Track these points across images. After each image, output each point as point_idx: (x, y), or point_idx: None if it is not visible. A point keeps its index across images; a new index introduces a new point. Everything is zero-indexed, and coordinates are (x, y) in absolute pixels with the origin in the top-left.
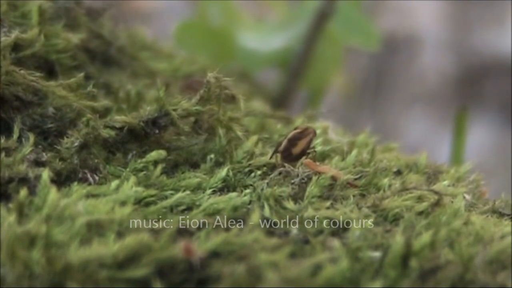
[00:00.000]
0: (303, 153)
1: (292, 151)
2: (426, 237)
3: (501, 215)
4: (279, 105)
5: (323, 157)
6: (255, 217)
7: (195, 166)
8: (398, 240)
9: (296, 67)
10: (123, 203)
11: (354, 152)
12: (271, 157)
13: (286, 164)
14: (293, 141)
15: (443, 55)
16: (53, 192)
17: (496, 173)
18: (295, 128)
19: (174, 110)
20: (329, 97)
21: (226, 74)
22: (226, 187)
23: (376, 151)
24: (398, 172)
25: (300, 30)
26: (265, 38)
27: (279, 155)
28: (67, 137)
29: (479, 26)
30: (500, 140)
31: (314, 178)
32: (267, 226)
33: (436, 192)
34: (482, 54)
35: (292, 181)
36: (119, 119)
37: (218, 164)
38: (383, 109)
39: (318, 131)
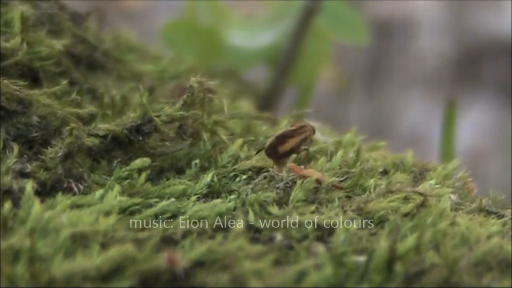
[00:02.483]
0: (291, 151)
1: (278, 149)
2: (411, 240)
3: (488, 213)
4: (268, 103)
5: (309, 158)
6: (239, 225)
7: (180, 171)
8: (382, 244)
9: (284, 64)
10: (107, 213)
11: (340, 152)
12: (256, 153)
13: (270, 169)
14: (281, 139)
15: (441, 37)
16: (37, 205)
17: (494, 153)
18: (291, 125)
19: (158, 116)
20: (320, 90)
21: (212, 75)
22: (211, 193)
23: (363, 150)
24: (384, 172)
25: (287, 27)
26: (252, 35)
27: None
28: (51, 147)
29: (477, 7)
30: (498, 121)
31: (299, 182)
32: (252, 232)
33: (421, 194)
34: (479, 35)
35: (277, 185)
36: (102, 127)
37: (203, 169)
38: (381, 92)
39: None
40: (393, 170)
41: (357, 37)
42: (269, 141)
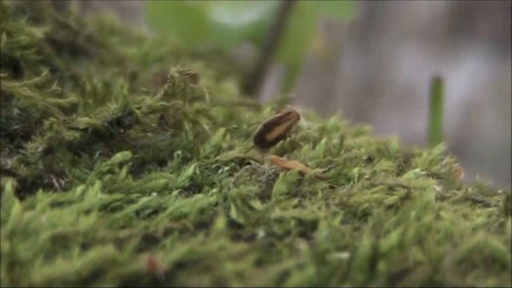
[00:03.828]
0: (279, 139)
1: (266, 137)
2: (394, 237)
3: (474, 202)
4: (254, 81)
5: (293, 146)
6: (220, 223)
7: (162, 163)
8: (365, 242)
9: (269, 41)
10: (88, 212)
11: (324, 139)
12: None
13: (252, 161)
14: (269, 126)
15: None
16: (16, 205)
17: (488, 105)
18: (277, 112)
19: (138, 108)
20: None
21: (196, 55)
22: (193, 185)
23: (347, 137)
24: (369, 160)
25: (272, 3)
26: (237, 13)
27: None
28: (32, 142)
29: None
30: (492, 72)
31: (281, 174)
32: (234, 229)
33: (404, 186)
34: None
35: (259, 178)
36: (83, 120)
37: (186, 160)
38: (375, 46)
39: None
40: (378, 157)
41: (342, 12)
42: (257, 129)
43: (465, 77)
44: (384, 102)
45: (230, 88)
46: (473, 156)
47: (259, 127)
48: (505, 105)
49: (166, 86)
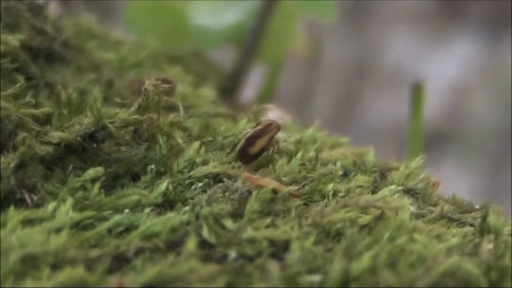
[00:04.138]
0: (262, 152)
1: (249, 151)
2: (366, 260)
3: (450, 220)
4: (234, 83)
5: (268, 160)
6: (191, 244)
7: (135, 177)
8: (336, 266)
9: (250, 43)
10: (58, 230)
11: (299, 154)
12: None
13: (225, 180)
14: (251, 140)
15: None
16: None
17: (478, 88)
18: (257, 124)
19: (112, 122)
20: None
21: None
22: (166, 201)
23: (323, 150)
24: (345, 175)
25: (253, 4)
26: (218, 13)
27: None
28: (4, 157)
29: None
30: (482, 55)
31: (255, 192)
32: (205, 249)
33: (378, 207)
34: None
35: (232, 196)
36: (55, 135)
37: (159, 175)
38: (366, 29)
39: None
40: (354, 172)
41: (324, 13)
42: (239, 145)
43: (455, 60)
44: (375, 84)
45: (208, 93)
46: (462, 138)
47: (242, 142)
48: (494, 88)
49: (140, 100)
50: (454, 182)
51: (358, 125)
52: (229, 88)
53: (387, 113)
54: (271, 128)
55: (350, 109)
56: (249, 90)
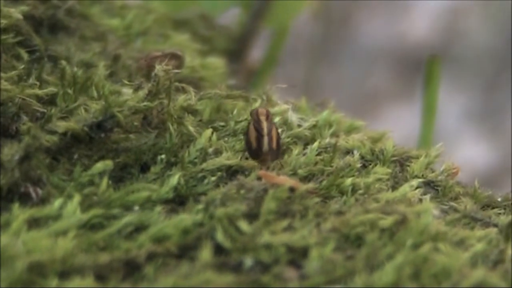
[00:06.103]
0: (277, 144)
1: (260, 152)
2: (389, 272)
3: (473, 220)
4: (241, 47)
5: (283, 149)
6: (205, 253)
7: (145, 168)
8: (358, 280)
9: (258, 7)
10: (65, 232)
11: (316, 144)
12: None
13: (240, 177)
14: (257, 144)
15: None
16: None
17: (473, 8)
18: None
19: (120, 111)
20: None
21: (182, 22)
22: (177, 196)
23: (339, 134)
24: (363, 166)
25: None
26: None
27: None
28: (8, 148)
29: None
30: None
31: (271, 191)
32: (220, 255)
33: (401, 213)
34: None
35: (247, 195)
36: (61, 124)
37: (170, 165)
38: None
39: (277, 119)
40: (372, 164)
41: None
42: (252, 147)
43: None
44: (369, 4)
45: (217, 64)
46: (457, 59)
47: (254, 144)
48: (489, 9)
49: (150, 85)
50: (448, 104)
51: (352, 44)
52: (237, 51)
53: (382, 32)
54: (270, 128)
55: (344, 29)
56: (256, 51)
